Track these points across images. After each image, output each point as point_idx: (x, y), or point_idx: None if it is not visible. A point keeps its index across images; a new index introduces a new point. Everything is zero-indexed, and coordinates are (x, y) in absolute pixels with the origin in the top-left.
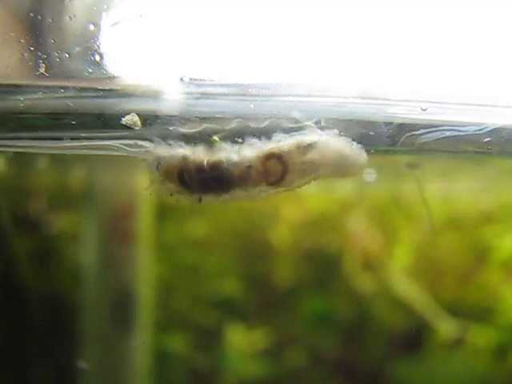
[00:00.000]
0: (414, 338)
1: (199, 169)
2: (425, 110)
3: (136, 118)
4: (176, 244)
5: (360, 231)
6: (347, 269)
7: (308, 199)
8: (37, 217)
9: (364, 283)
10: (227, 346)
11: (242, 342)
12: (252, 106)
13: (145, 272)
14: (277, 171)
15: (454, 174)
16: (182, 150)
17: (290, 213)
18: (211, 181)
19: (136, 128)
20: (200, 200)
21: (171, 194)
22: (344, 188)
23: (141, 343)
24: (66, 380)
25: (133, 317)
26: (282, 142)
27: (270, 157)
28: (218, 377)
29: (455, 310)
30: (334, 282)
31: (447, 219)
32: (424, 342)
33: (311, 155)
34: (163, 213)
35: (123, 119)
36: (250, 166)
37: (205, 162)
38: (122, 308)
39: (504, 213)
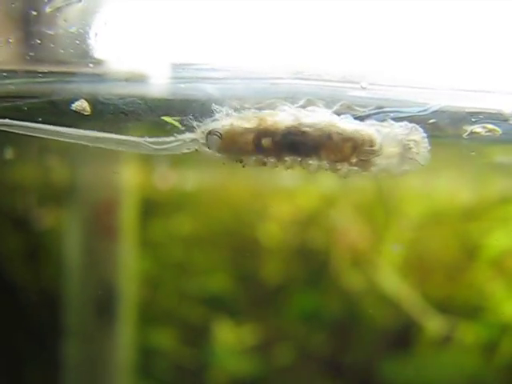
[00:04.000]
0: (403, 335)
1: (281, 131)
2: (364, 88)
3: (85, 104)
4: (164, 240)
5: (349, 228)
6: (336, 266)
7: (297, 196)
8: (25, 213)
9: (353, 281)
10: (215, 342)
11: (230, 338)
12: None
13: (129, 267)
14: (347, 152)
15: (437, 170)
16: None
17: (279, 210)
18: (293, 144)
19: (85, 113)
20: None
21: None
22: (332, 184)
23: (125, 339)
24: (50, 376)
25: (116, 312)
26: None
27: (348, 140)
28: (206, 373)
29: (444, 308)
30: (323, 280)
31: (435, 216)
32: (413, 339)
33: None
34: (150, 209)
35: (73, 105)
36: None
37: (288, 125)
38: (104, 303)
39: (492, 210)
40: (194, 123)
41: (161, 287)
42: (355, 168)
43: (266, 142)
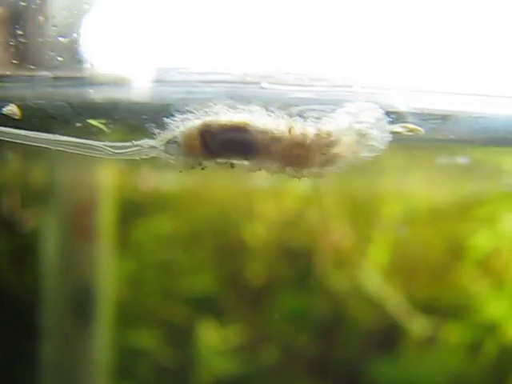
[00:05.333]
0: (388, 335)
1: (223, 129)
2: (265, 88)
3: (15, 108)
4: (147, 240)
5: (334, 229)
6: (322, 267)
7: (282, 196)
8: (5, 215)
9: (339, 281)
10: (199, 342)
11: (214, 338)
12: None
13: (107, 268)
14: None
15: (414, 171)
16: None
17: (264, 210)
18: (234, 143)
19: (15, 117)
20: (231, 166)
21: (201, 168)
22: (317, 185)
23: (104, 340)
24: (28, 376)
25: (94, 313)
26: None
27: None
28: (190, 374)
29: (429, 308)
30: (308, 280)
31: (419, 216)
32: (398, 339)
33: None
34: (132, 209)
35: (4, 109)
36: (278, 139)
37: (228, 122)
38: (82, 304)
39: (476, 210)
40: (155, 130)
41: (144, 288)
42: (323, 167)
43: (212, 143)
